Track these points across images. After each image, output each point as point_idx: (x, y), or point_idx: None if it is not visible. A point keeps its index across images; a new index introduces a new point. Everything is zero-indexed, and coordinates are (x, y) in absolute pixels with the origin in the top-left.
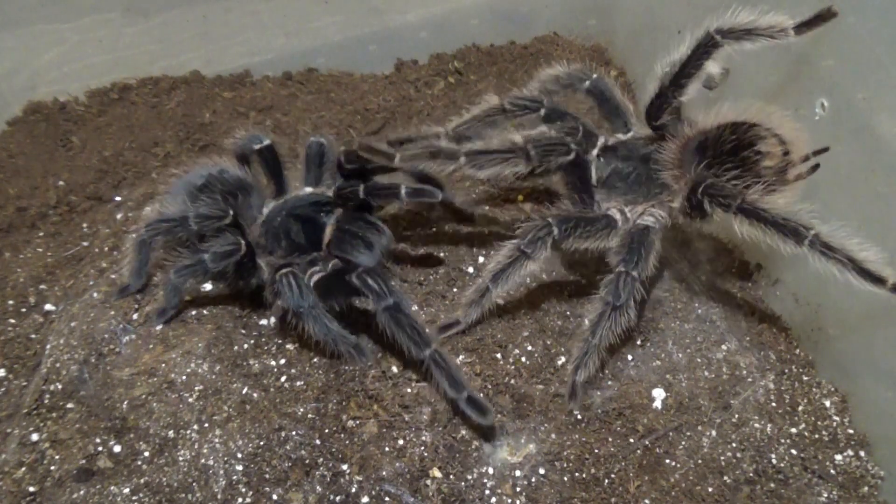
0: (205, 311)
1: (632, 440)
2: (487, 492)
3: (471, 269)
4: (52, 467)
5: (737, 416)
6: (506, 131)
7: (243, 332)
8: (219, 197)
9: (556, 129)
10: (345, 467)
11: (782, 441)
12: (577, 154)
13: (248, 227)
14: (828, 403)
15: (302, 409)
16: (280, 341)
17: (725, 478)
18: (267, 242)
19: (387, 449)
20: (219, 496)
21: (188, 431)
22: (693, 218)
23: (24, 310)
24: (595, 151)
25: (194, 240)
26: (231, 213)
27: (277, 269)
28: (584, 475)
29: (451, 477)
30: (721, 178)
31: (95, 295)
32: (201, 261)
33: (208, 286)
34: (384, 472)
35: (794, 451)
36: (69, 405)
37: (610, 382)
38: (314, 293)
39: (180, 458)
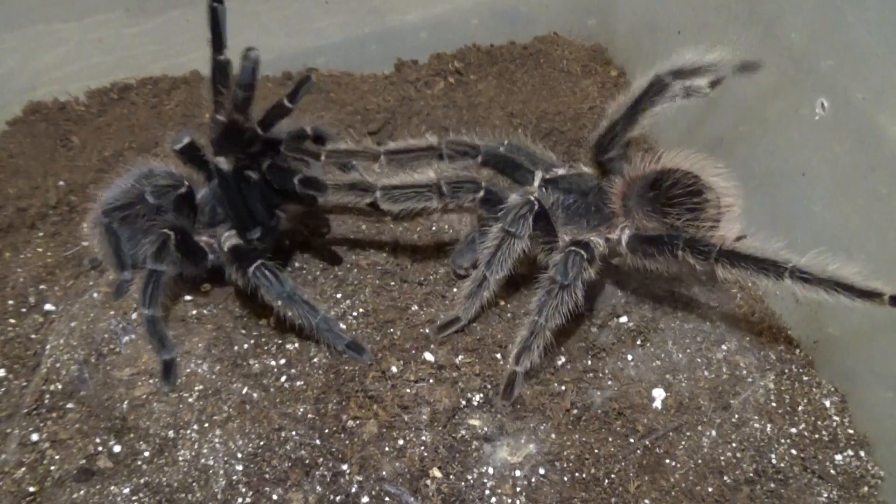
0: (205, 311)
1: (632, 440)
2: (487, 492)
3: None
4: (52, 467)
5: (737, 416)
6: (424, 168)
7: (243, 332)
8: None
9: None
10: (345, 467)
11: (782, 441)
12: (487, 190)
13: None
14: (828, 403)
15: (302, 409)
16: (280, 341)
17: (725, 478)
18: (209, 217)
19: (387, 449)
20: (219, 496)
21: (188, 431)
22: (644, 257)
23: (24, 310)
24: (536, 183)
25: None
26: (186, 183)
27: (236, 254)
28: (584, 475)
29: (451, 477)
30: (672, 217)
31: (95, 295)
32: (151, 272)
33: (208, 287)
34: (384, 472)
35: (794, 451)
36: (69, 405)
37: (610, 382)
38: (290, 279)
39: (180, 458)
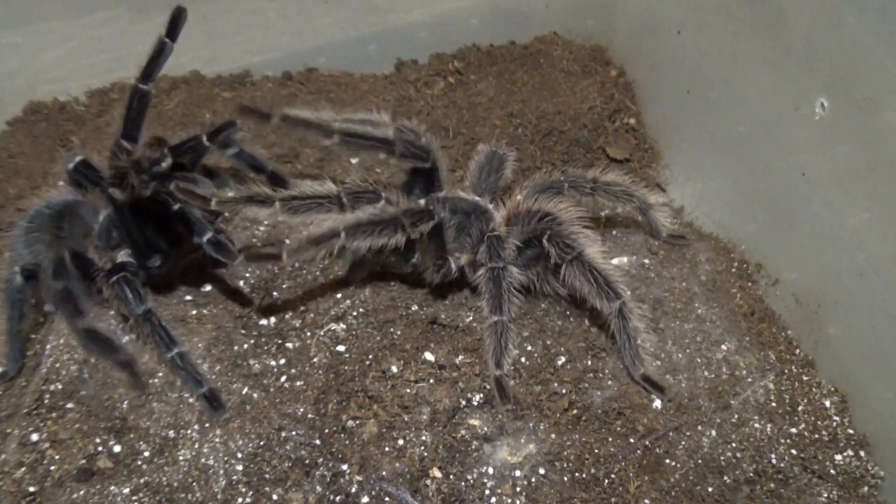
0: (205, 311)
1: (632, 440)
2: (487, 492)
3: None
4: (52, 467)
5: (737, 416)
6: (320, 180)
7: (243, 332)
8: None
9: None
10: (345, 467)
11: (782, 441)
12: (387, 200)
13: (84, 238)
14: (828, 403)
15: (302, 409)
16: (280, 341)
17: (725, 478)
18: (105, 241)
19: (387, 449)
20: (219, 496)
21: (188, 431)
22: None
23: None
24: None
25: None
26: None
27: (110, 271)
28: (584, 475)
29: (451, 477)
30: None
31: None
32: (75, 311)
33: (208, 287)
34: (384, 472)
35: (794, 451)
36: (69, 405)
37: (610, 382)
38: (149, 299)
39: (180, 458)
